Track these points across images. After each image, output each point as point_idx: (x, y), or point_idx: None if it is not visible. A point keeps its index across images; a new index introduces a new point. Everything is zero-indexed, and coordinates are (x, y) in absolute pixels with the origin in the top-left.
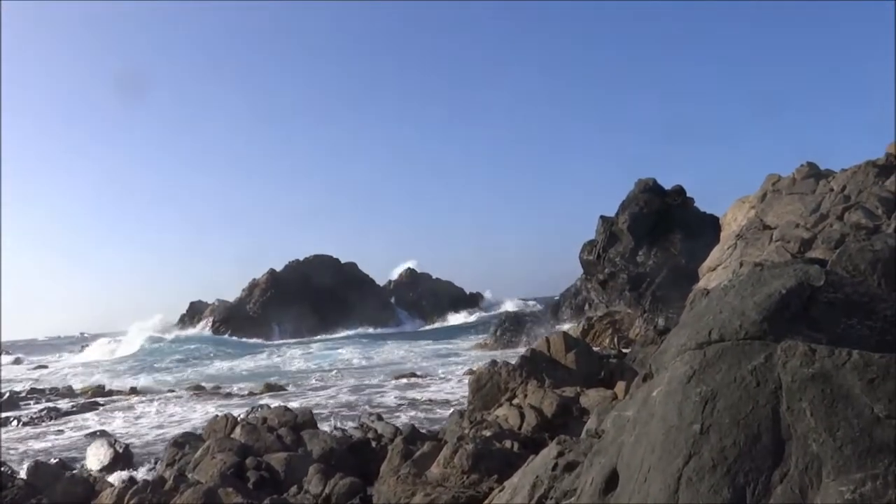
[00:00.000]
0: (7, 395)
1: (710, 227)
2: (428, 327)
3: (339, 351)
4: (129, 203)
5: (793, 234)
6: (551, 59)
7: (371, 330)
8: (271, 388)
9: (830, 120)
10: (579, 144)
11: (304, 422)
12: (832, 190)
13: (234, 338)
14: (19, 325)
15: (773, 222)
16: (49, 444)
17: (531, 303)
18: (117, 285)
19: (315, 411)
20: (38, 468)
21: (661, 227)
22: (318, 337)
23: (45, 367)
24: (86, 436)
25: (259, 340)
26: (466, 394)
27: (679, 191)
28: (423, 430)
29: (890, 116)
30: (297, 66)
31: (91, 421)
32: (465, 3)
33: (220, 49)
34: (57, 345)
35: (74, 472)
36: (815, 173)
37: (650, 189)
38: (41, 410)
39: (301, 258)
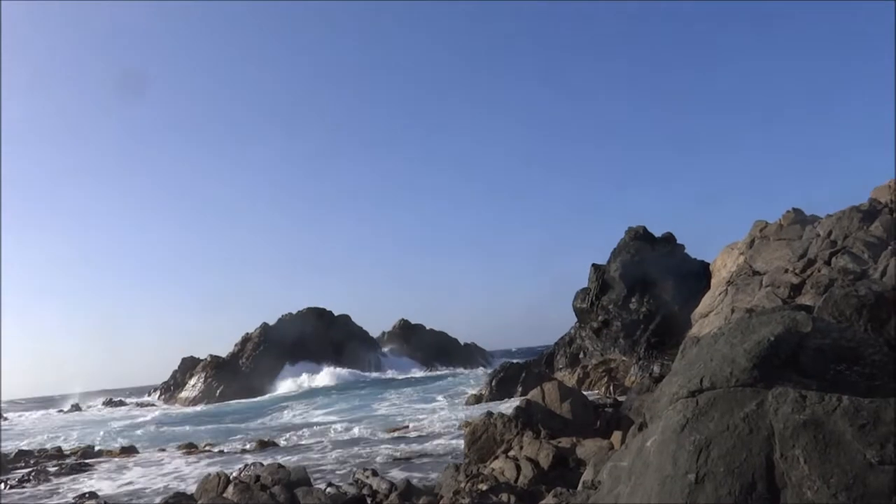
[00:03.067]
0: None
1: (700, 274)
2: (421, 374)
3: (334, 405)
4: (116, 258)
5: (782, 280)
6: (539, 112)
7: (365, 382)
8: (264, 445)
9: (830, 121)
10: (570, 195)
11: (297, 479)
12: (818, 235)
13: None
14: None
15: (763, 268)
16: None
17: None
18: (106, 343)
19: (309, 467)
20: None
21: (652, 274)
22: (312, 388)
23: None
24: (75, 498)
25: (253, 400)
26: (462, 446)
27: (669, 238)
28: (419, 485)
29: (890, 116)
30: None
31: (80, 483)
32: (464, 50)
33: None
34: (46, 403)
35: None
36: (800, 219)
37: (640, 236)
38: (29, 472)
39: (294, 311)
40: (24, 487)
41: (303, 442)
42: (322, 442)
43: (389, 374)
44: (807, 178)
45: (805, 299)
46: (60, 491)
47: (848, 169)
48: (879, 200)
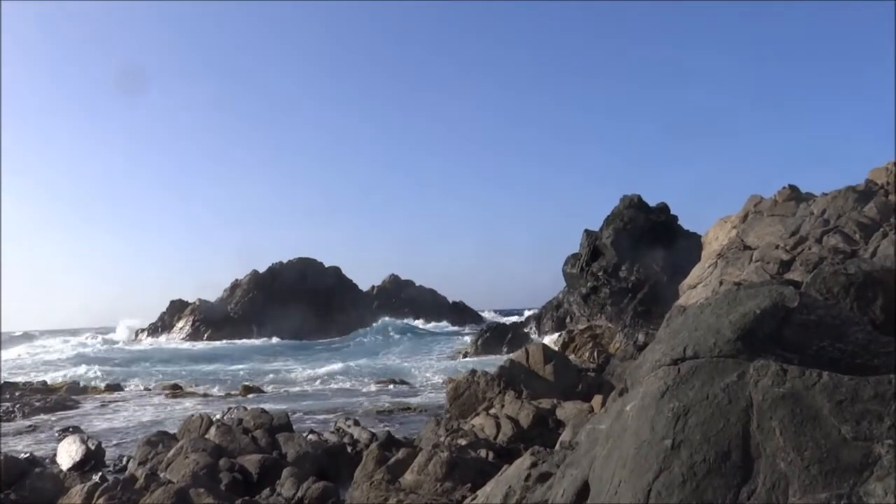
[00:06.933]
0: None
1: (692, 245)
2: (410, 332)
3: (319, 354)
4: (115, 200)
5: (772, 256)
6: (540, 68)
7: (353, 334)
8: (249, 391)
9: (829, 119)
10: (567, 157)
11: (279, 425)
12: (812, 213)
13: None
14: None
15: (754, 243)
16: (19, 440)
17: (514, 318)
18: (97, 281)
19: (291, 415)
20: (6, 463)
21: (644, 244)
22: (299, 340)
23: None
24: (57, 432)
25: (241, 341)
26: (444, 402)
27: (663, 208)
28: (400, 437)
29: (890, 114)
30: (288, 72)
31: (63, 417)
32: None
33: (216, 52)
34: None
35: (45, 468)
36: (796, 196)
37: (635, 205)
38: (13, 405)
39: (285, 260)
40: (9, 421)
41: (287, 389)
42: (307, 390)
43: (377, 332)
44: (810, 165)
45: (794, 276)
46: (44, 425)
47: (853, 157)
48: (876, 182)
